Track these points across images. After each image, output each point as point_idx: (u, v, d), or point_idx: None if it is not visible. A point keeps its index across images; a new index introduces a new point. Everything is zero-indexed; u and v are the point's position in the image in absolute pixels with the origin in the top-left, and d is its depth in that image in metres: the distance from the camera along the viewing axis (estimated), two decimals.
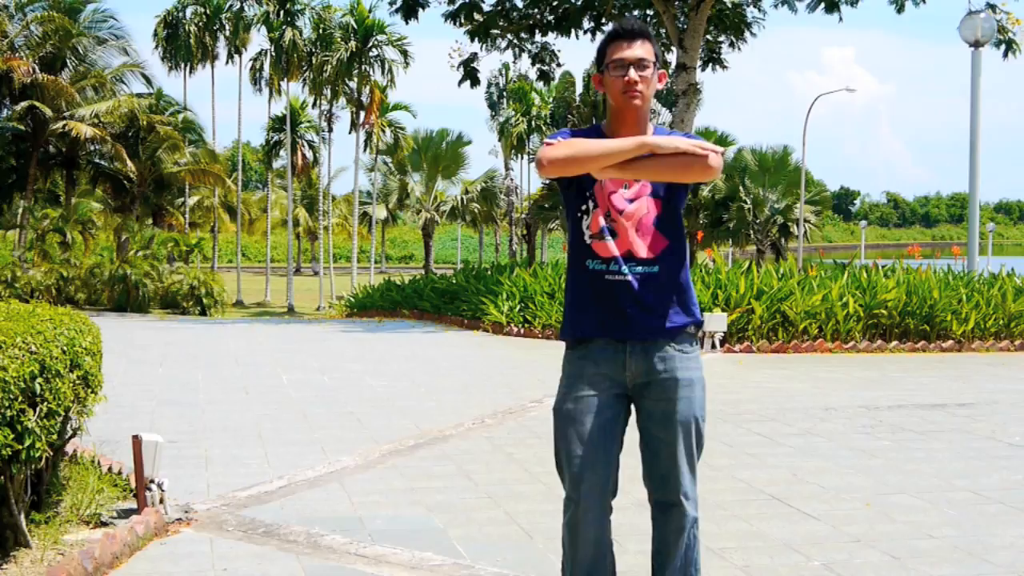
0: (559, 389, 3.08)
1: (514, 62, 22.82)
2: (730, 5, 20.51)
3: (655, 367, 3.01)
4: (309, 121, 46.67)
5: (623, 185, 3.02)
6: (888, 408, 8.13)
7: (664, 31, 20.80)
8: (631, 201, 3.02)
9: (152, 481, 4.63)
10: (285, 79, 41.73)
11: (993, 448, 6.60)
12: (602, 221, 3.02)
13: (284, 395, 8.68)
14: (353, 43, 40.73)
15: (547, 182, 40.70)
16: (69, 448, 5.10)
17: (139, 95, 37.20)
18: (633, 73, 2.96)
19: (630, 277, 2.99)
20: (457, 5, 20.14)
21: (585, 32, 21.26)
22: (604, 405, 3.00)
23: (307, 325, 17.65)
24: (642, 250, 3.00)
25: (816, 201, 42.78)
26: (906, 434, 7.04)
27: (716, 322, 12.03)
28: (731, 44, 21.45)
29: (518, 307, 14.74)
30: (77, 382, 4.26)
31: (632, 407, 3.10)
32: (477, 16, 20.31)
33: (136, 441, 4.59)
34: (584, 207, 3.05)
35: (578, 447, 2.96)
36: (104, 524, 4.50)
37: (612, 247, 3.01)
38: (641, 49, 2.98)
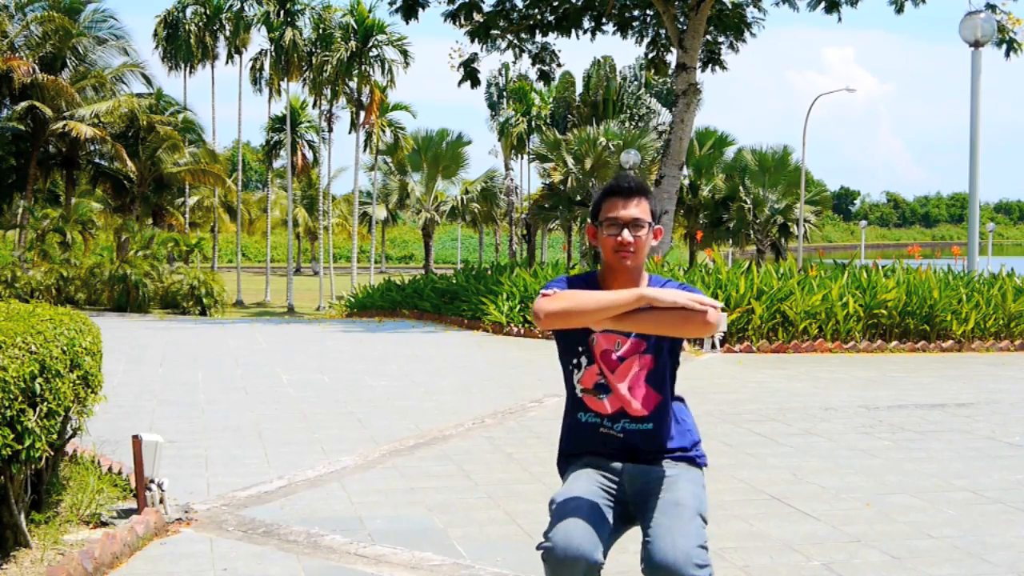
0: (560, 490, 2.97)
1: (514, 62, 22.87)
2: (730, 5, 20.53)
3: (653, 473, 2.95)
4: (309, 121, 46.67)
5: (615, 342, 2.97)
6: (888, 408, 8.13)
7: (664, 31, 20.83)
8: (623, 359, 2.97)
9: (152, 481, 4.63)
10: (285, 79, 41.71)
11: (993, 448, 6.60)
12: (596, 377, 2.98)
13: (284, 395, 8.68)
14: (353, 43, 40.72)
15: (547, 182, 40.77)
16: (69, 448, 5.10)
17: (139, 95, 37.23)
18: (627, 234, 2.92)
19: (623, 435, 2.97)
20: (457, 5, 20.15)
21: (585, 32, 21.28)
22: (600, 497, 2.88)
23: (307, 325, 17.65)
24: (634, 407, 2.96)
25: (816, 201, 42.81)
26: (906, 434, 7.04)
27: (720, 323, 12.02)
28: (730, 46, 21.46)
29: (518, 307, 14.74)
30: (77, 382, 4.26)
31: (630, 517, 2.96)
32: (477, 16, 20.33)
33: (136, 441, 4.59)
34: (576, 361, 3.01)
35: (567, 534, 2.70)
36: (104, 524, 4.50)
37: (605, 404, 2.98)
38: (636, 209, 2.95)
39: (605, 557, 2.73)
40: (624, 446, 2.98)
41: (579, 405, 3.03)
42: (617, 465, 2.98)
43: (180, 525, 4.65)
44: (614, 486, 2.95)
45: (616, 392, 2.96)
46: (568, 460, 3.09)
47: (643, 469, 2.97)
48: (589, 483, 2.92)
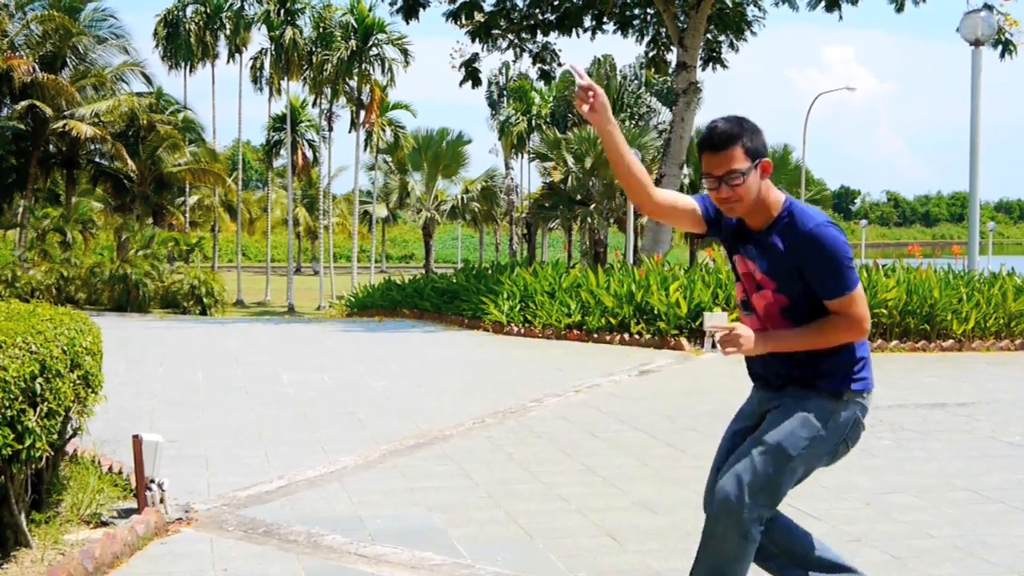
0: None
1: (515, 61, 22.80)
2: (730, 4, 20.51)
3: (772, 402, 3.16)
4: (309, 120, 46.68)
5: (752, 267, 3.08)
6: (888, 407, 8.12)
7: (664, 30, 20.82)
8: (761, 287, 3.07)
9: (152, 481, 4.63)
10: (285, 78, 41.72)
11: (993, 447, 6.60)
12: (741, 294, 3.15)
13: (284, 395, 8.68)
14: (353, 42, 40.74)
15: (547, 181, 40.72)
16: (69, 448, 5.10)
17: (139, 94, 37.23)
18: (724, 190, 2.92)
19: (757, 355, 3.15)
20: (457, 5, 20.14)
21: (586, 31, 21.27)
22: (740, 432, 3.24)
23: (307, 325, 17.65)
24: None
25: (816, 200, 42.81)
26: (906, 433, 7.03)
27: (716, 321, 12.04)
28: (731, 44, 21.45)
29: (518, 306, 14.73)
30: (77, 382, 4.26)
31: None
32: (478, 16, 20.32)
33: (136, 441, 4.59)
34: (735, 275, 3.19)
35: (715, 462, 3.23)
36: (104, 524, 4.50)
37: (750, 320, 3.14)
38: (730, 160, 2.89)
39: None
40: (764, 364, 3.14)
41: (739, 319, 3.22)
42: (759, 394, 3.22)
43: (180, 525, 4.66)
44: (752, 424, 3.19)
45: (756, 311, 3.11)
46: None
47: (768, 397, 3.16)
48: (731, 435, 3.24)
